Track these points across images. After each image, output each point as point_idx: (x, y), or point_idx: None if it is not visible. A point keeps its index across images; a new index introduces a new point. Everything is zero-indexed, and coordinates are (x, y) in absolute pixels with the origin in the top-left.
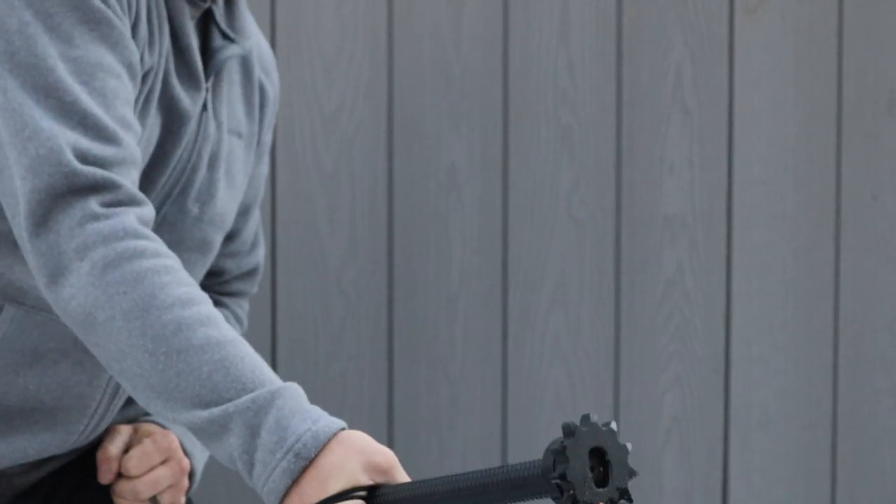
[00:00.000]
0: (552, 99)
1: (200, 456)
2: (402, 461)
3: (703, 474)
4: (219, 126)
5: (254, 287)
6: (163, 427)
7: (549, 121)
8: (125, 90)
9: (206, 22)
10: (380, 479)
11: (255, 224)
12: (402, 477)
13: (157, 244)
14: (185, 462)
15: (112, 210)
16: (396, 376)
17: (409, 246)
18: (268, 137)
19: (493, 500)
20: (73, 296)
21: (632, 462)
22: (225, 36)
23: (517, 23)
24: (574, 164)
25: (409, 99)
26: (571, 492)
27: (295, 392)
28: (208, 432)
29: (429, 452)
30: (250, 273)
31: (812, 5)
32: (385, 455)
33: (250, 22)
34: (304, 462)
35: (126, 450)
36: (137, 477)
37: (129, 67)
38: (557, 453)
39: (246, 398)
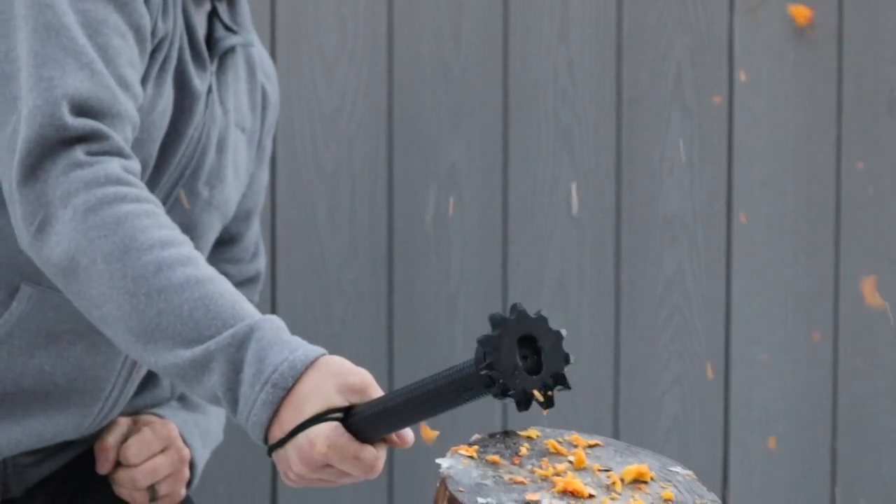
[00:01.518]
0: (552, 99)
1: (201, 448)
2: (402, 461)
3: (703, 474)
4: (225, 113)
5: (255, 295)
6: (162, 417)
7: (549, 121)
8: (129, 51)
9: (209, 18)
10: (355, 400)
11: (256, 232)
12: (378, 395)
13: (138, 189)
14: (185, 451)
15: (96, 158)
16: (396, 376)
17: (409, 246)
18: (268, 143)
19: (445, 403)
20: (58, 242)
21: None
22: (227, 29)
23: (517, 22)
24: (574, 164)
25: (409, 99)
26: (501, 381)
27: (274, 324)
28: (190, 375)
29: (429, 453)
30: (252, 280)
31: (812, 5)
32: (360, 375)
33: (252, 28)
34: (282, 392)
35: (124, 440)
36: (136, 465)
37: (137, 31)
38: (485, 344)
39: (226, 334)
